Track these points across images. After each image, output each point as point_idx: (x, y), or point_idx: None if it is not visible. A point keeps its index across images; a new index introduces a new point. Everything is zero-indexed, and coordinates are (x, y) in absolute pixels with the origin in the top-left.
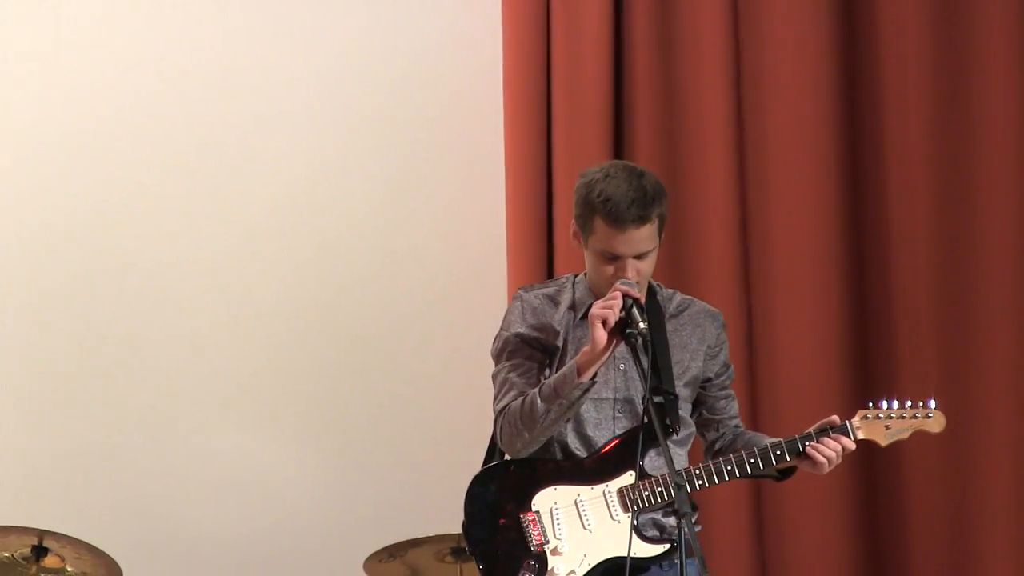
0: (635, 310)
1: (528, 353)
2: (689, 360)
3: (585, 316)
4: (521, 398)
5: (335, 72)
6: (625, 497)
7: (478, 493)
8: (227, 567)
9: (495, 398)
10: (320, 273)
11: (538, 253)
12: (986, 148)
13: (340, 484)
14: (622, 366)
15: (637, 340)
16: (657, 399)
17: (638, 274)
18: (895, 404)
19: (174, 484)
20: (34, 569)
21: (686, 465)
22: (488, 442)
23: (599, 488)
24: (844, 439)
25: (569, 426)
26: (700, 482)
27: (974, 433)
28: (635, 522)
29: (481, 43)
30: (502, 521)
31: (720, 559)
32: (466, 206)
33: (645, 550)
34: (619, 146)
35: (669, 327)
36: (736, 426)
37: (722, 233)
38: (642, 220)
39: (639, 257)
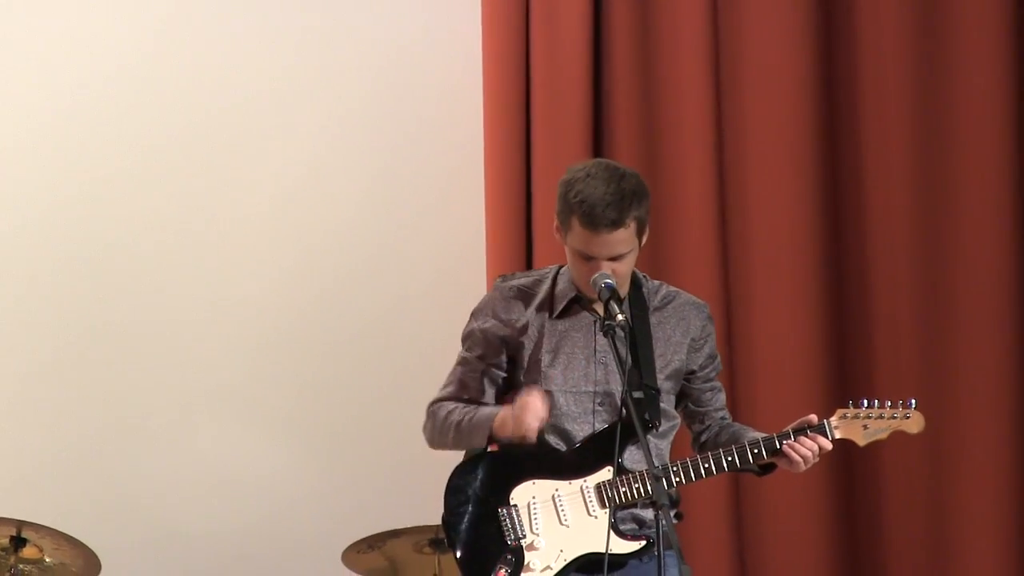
0: (612, 304)
1: (483, 351)
2: (672, 353)
3: (568, 306)
4: (447, 410)
5: (314, 73)
6: (603, 493)
7: (458, 485)
8: (205, 559)
9: (442, 385)
10: (299, 271)
11: (517, 252)
12: (965, 146)
13: (318, 476)
14: (603, 359)
15: (616, 332)
16: (637, 394)
17: (615, 274)
18: (875, 404)
19: (153, 477)
20: (12, 559)
21: (667, 458)
22: None
23: (577, 483)
24: (821, 438)
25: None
26: (677, 479)
27: (952, 432)
28: (612, 520)
29: (461, 42)
30: (481, 514)
31: (699, 554)
32: (446, 206)
33: (622, 547)
34: (599, 144)
35: (653, 320)
36: (723, 418)
37: (701, 230)
38: (615, 224)
39: (615, 259)
